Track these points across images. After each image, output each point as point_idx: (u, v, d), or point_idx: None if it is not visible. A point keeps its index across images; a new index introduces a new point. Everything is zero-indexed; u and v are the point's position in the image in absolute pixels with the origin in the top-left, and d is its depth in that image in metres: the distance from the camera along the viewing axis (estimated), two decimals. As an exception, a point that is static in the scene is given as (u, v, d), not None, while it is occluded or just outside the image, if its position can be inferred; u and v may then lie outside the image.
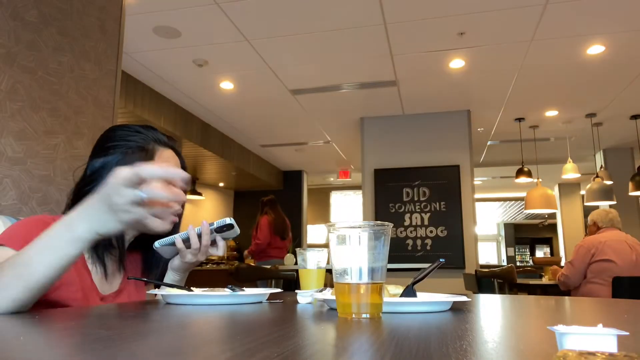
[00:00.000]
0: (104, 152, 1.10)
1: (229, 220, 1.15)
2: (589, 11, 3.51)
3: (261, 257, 5.42)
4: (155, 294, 1.13)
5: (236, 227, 1.17)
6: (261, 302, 1.01)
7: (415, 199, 5.67)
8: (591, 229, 3.73)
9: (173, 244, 1.13)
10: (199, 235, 1.15)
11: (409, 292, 0.90)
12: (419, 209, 5.64)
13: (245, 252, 5.76)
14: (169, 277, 1.22)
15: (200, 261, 1.20)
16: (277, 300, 1.06)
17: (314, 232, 10.37)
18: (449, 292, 1.00)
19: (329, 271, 1.39)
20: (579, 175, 6.07)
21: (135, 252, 1.24)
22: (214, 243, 1.18)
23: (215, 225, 1.15)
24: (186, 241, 1.14)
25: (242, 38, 3.92)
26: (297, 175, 9.31)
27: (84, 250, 0.83)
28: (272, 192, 6.90)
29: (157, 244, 1.15)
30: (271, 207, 5.59)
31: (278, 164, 8.79)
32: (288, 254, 5.24)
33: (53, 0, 1.87)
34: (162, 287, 1.10)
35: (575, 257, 3.56)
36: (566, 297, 1.34)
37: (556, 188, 10.26)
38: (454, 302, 0.90)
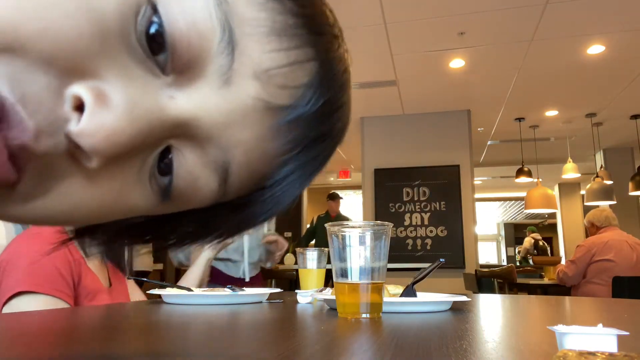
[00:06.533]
0: None
1: None
2: (589, 11, 3.51)
3: None
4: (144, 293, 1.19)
5: None
6: (261, 302, 1.01)
7: (415, 198, 5.66)
8: (590, 230, 3.74)
9: None
10: None
11: (409, 292, 0.90)
12: (419, 209, 5.63)
13: None
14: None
15: None
16: (277, 300, 1.06)
17: (314, 232, 10.36)
18: (449, 292, 1.00)
19: (329, 271, 1.39)
20: (579, 175, 6.07)
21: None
22: None
23: None
24: None
25: (242, 38, 3.92)
26: (297, 175, 9.29)
27: None
28: (272, 192, 6.89)
29: None
30: None
31: (278, 163, 8.78)
32: (288, 254, 5.23)
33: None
34: (161, 287, 1.11)
35: (577, 256, 3.57)
36: (566, 297, 1.34)
37: (556, 188, 10.25)
38: (454, 302, 0.90)
